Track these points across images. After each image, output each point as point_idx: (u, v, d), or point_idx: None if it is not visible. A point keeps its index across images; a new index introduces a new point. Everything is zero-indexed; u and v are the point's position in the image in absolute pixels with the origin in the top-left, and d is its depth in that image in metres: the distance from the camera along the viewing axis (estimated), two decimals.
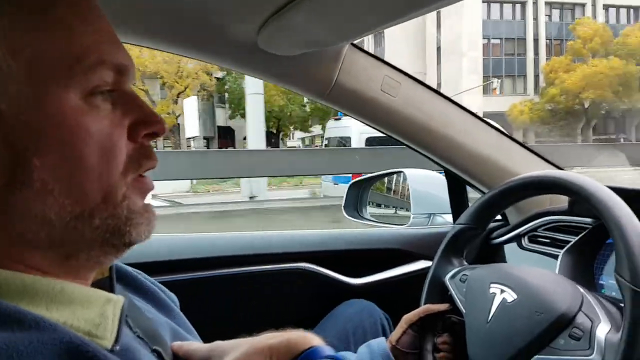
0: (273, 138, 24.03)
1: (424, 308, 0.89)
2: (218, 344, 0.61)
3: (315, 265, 1.26)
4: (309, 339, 0.59)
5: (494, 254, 1.22)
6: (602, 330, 0.63)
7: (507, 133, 1.20)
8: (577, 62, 28.30)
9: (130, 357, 0.49)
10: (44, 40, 0.44)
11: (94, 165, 0.46)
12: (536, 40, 32.64)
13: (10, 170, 0.43)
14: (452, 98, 1.14)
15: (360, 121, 1.11)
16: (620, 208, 0.65)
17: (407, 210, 1.53)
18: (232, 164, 7.30)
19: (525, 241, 1.15)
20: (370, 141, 9.84)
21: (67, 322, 0.44)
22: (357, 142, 10.38)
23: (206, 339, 0.66)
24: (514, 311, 0.71)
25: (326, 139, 12.59)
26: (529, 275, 0.74)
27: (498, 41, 32.74)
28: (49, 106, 0.44)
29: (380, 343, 0.88)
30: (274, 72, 1.00)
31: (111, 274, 0.57)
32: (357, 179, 1.83)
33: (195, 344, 0.62)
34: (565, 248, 0.94)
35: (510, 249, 1.20)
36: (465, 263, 0.92)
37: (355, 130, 10.34)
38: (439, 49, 31.65)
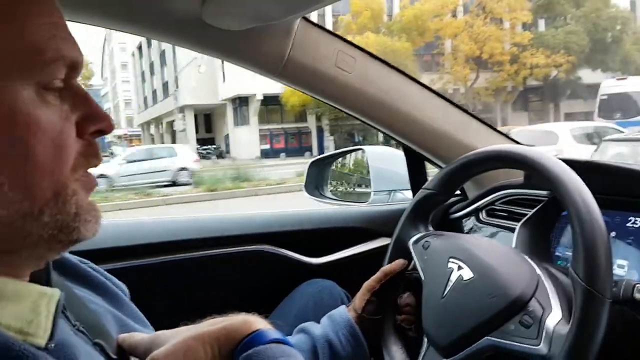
0: None
1: (381, 272, 0.89)
2: (160, 333, 0.59)
3: (275, 246, 1.23)
4: (252, 323, 0.56)
5: (453, 229, 1.22)
6: (552, 320, 0.63)
7: (464, 108, 1.19)
8: None
9: (67, 353, 0.47)
10: None
11: (45, 161, 0.45)
12: (322, 16, 26.72)
13: None
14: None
15: (316, 98, 1.08)
16: (574, 183, 0.65)
17: (368, 187, 1.52)
18: None
19: (483, 215, 1.16)
20: None
21: None
22: None
23: (161, 328, 0.63)
24: (468, 290, 0.71)
25: (605, 95, 13.85)
26: (487, 253, 0.74)
27: None
28: (1, 100, 0.42)
29: (342, 313, 0.88)
30: (221, 48, 0.96)
31: (47, 266, 0.54)
32: (316, 157, 1.81)
33: (139, 335, 0.60)
34: (522, 221, 0.94)
35: (469, 224, 1.21)
36: (431, 228, 0.91)
37: None
38: None
